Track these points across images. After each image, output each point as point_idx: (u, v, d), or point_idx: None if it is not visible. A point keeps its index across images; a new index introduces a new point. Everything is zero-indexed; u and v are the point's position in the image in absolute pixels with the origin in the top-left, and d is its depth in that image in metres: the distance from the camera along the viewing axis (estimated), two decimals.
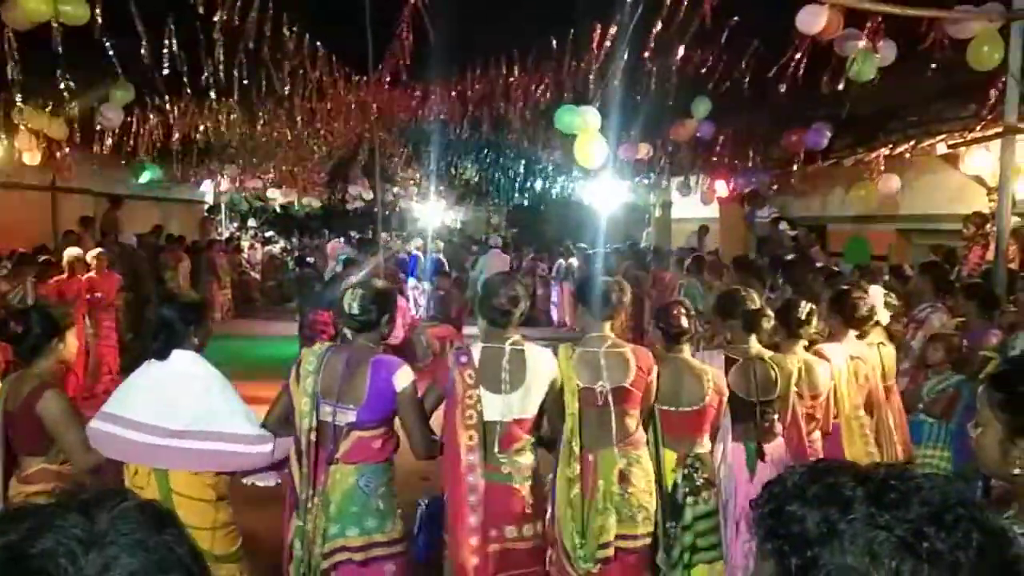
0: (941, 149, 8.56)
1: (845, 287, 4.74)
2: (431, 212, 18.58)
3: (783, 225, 11.03)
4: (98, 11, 5.84)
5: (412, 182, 18.24)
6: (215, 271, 14.92)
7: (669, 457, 3.59)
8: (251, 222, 21.30)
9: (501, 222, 26.20)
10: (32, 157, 9.32)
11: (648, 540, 3.45)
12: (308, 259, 15.57)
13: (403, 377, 3.14)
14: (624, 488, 3.34)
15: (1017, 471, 1.66)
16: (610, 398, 3.35)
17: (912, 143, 8.62)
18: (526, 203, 21.38)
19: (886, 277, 7.31)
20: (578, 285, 3.74)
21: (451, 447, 3.20)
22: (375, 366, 3.14)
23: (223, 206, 19.51)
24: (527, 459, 3.27)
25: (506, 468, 3.22)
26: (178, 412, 3.09)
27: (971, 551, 0.85)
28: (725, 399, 3.66)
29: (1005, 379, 1.74)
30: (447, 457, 3.23)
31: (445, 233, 20.37)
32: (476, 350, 3.28)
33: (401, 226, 21.21)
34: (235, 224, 20.62)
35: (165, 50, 6.84)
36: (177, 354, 3.19)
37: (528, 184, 18.53)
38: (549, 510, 3.40)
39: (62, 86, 7.60)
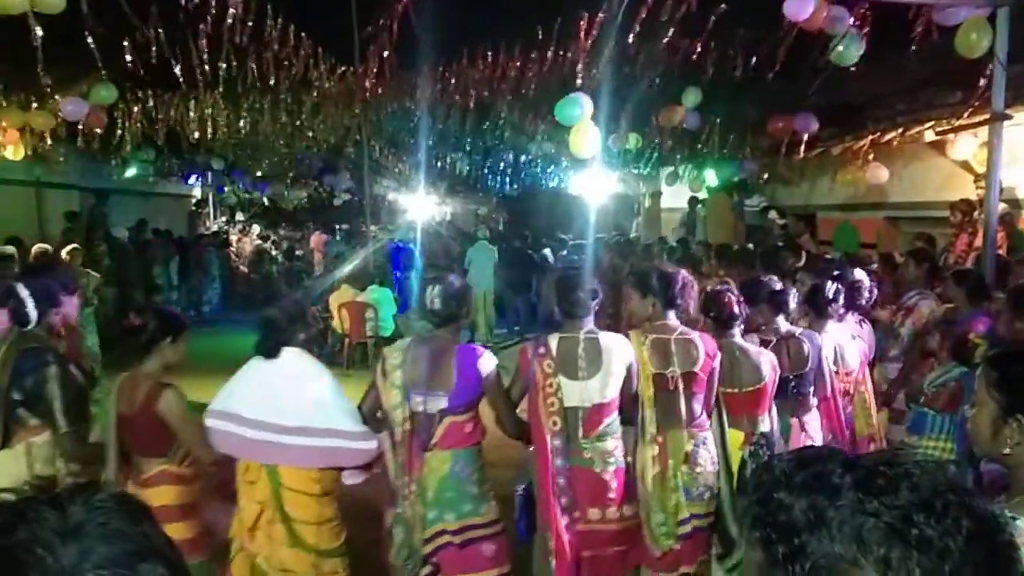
0: (929, 136, 8.55)
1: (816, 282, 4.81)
2: (420, 204, 18.52)
3: (772, 214, 11.04)
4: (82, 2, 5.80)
5: (401, 174, 18.18)
6: (203, 265, 14.85)
7: (735, 437, 3.76)
8: (239, 215, 21.19)
9: (490, 214, 26.16)
10: (16, 152, 9.21)
11: (713, 518, 3.61)
12: (297, 252, 15.51)
13: (487, 362, 3.34)
14: (692, 468, 3.49)
15: (1007, 450, 1.70)
16: (680, 383, 3.48)
17: (900, 130, 8.62)
18: (516, 195, 21.35)
19: (874, 265, 7.33)
20: (643, 275, 3.83)
21: (537, 434, 3.37)
22: (460, 354, 3.34)
23: (211, 200, 19.41)
24: (610, 444, 3.41)
25: (588, 453, 3.37)
26: (290, 409, 3.19)
27: (961, 537, 0.84)
28: (778, 377, 3.86)
29: (1001, 360, 1.80)
30: (535, 444, 3.40)
31: (434, 225, 20.32)
32: (553, 341, 3.43)
33: (390, 219, 21.15)
34: (223, 218, 20.51)
35: (148, 42, 6.79)
36: (287, 352, 3.28)
37: (518, 175, 18.50)
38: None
39: (44, 80, 7.54)
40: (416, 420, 3.30)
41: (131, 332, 3.31)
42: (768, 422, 3.86)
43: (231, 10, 6.17)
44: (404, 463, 3.29)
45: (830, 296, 4.45)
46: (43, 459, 3.23)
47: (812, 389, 4.14)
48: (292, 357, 3.30)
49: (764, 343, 4.03)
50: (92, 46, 6.61)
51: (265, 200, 20.49)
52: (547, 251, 13.97)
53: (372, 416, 3.40)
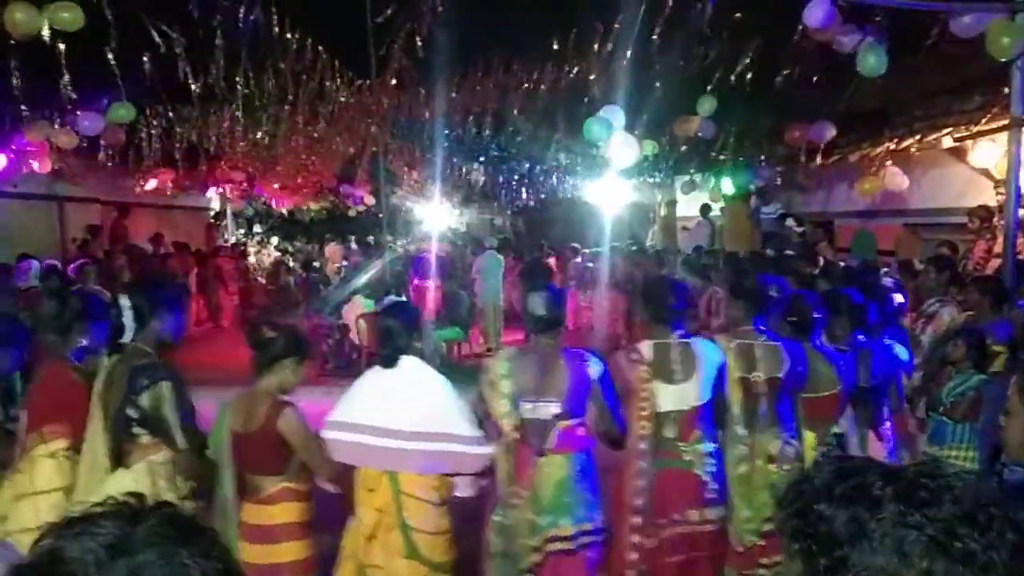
0: (947, 143, 8.52)
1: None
2: (436, 214, 18.57)
3: (790, 221, 11.00)
4: (108, 17, 5.90)
5: (417, 184, 18.24)
6: (222, 277, 14.95)
7: (809, 438, 3.85)
8: (257, 227, 21.33)
9: (505, 223, 26.15)
10: (42, 165, 9.34)
11: None
12: (314, 264, 15.56)
13: (595, 365, 3.39)
14: (779, 467, 3.62)
15: None
16: (765, 387, 3.64)
17: (918, 137, 8.59)
18: (531, 204, 21.34)
19: (884, 271, 7.29)
20: (733, 283, 4.10)
21: (628, 437, 3.47)
22: (570, 358, 3.39)
23: (228, 212, 19.55)
24: (708, 446, 3.52)
25: (687, 456, 3.48)
26: (411, 415, 3.22)
27: (1005, 551, 0.83)
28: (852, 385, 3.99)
29: None
30: (628, 447, 3.48)
31: (449, 235, 20.35)
32: (646, 347, 3.53)
33: (406, 229, 21.21)
34: (241, 230, 20.65)
35: (169, 57, 6.88)
36: (406, 360, 3.31)
37: (533, 185, 18.50)
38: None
39: (66, 95, 7.64)
40: (525, 427, 3.33)
41: (257, 345, 3.23)
42: (842, 425, 3.99)
43: (243, 19, 6.24)
44: (512, 471, 3.31)
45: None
46: (165, 477, 3.19)
47: (886, 400, 4.29)
48: (410, 364, 3.33)
49: (839, 352, 4.12)
50: (112, 62, 6.70)
51: (283, 212, 20.60)
52: (577, 259, 14.00)
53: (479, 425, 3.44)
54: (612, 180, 13.04)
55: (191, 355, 9.22)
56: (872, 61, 5.97)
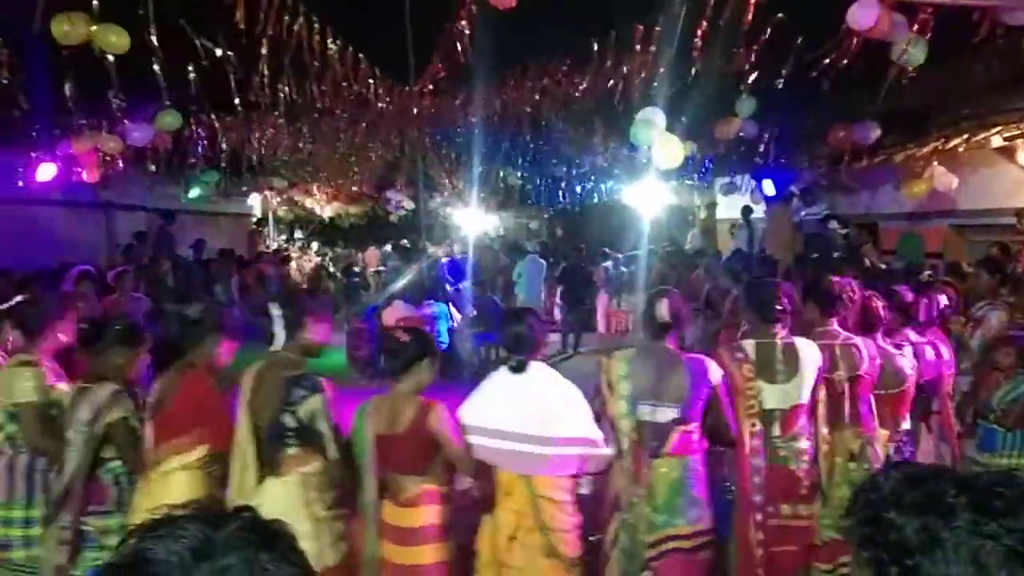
0: (996, 142, 8.33)
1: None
2: (473, 219, 18.62)
3: (833, 223, 10.82)
4: (152, 36, 6.03)
5: (454, 189, 18.33)
6: (264, 283, 15.16)
7: (880, 435, 3.94)
8: (298, 233, 21.59)
9: (542, 227, 26.12)
10: (91, 174, 9.56)
11: None
12: (355, 268, 15.70)
13: (715, 371, 3.47)
14: (860, 465, 3.72)
15: None
16: (846, 386, 3.75)
17: (965, 136, 8.40)
18: (569, 208, 21.30)
19: (927, 273, 7.13)
20: (810, 285, 4.14)
21: (737, 435, 3.55)
22: (691, 364, 3.44)
23: (270, 218, 19.83)
24: (803, 443, 3.62)
25: (783, 452, 3.58)
26: (545, 419, 3.27)
27: None
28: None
29: None
30: (736, 446, 3.58)
31: (486, 239, 20.40)
32: (749, 346, 3.63)
33: (444, 234, 21.30)
34: (283, 236, 20.92)
35: (215, 67, 7.01)
36: (535, 365, 3.38)
37: (571, 188, 18.46)
38: None
39: (115, 105, 7.84)
40: (642, 429, 3.38)
41: (391, 352, 3.28)
42: (909, 421, 4.16)
43: (291, 32, 6.33)
44: (631, 470, 3.37)
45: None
46: (315, 487, 3.21)
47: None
48: (540, 369, 3.40)
49: (897, 347, 4.23)
50: (158, 72, 6.84)
51: (324, 217, 20.82)
52: (608, 263, 13.90)
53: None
54: (650, 183, 12.96)
55: None
56: (914, 52, 5.86)
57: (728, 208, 14.67)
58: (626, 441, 3.37)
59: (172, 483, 3.38)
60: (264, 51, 6.24)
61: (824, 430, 3.69)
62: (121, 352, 3.59)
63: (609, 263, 13.91)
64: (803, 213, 12.35)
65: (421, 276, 12.84)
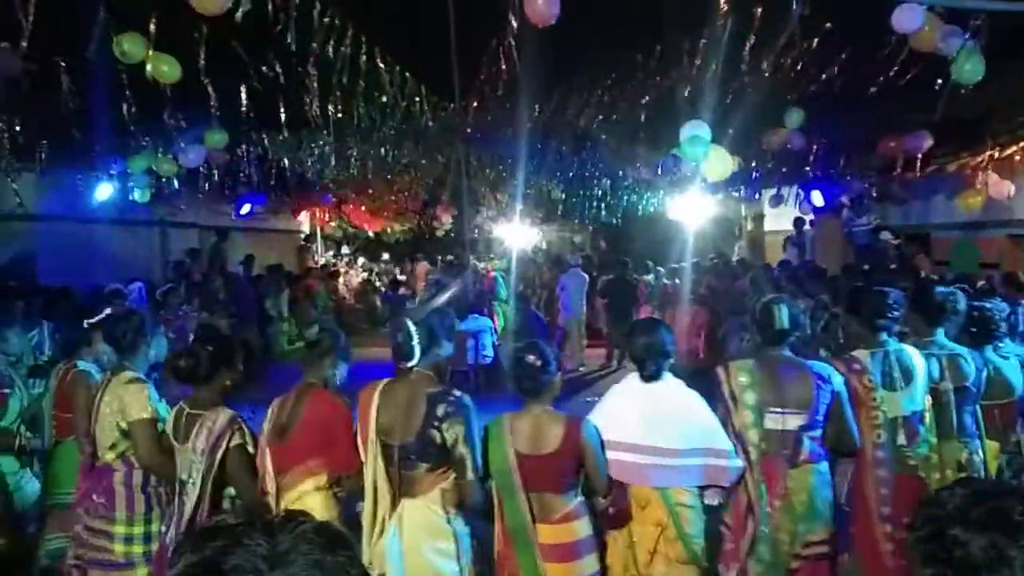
0: None
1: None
2: (517, 233, 18.67)
3: (885, 234, 10.61)
4: (201, 61, 6.20)
5: (498, 204, 18.43)
6: (312, 298, 15.39)
7: (991, 447, 3.94)
8: (345, 249, 21.89)
9: (586, 241, 26.08)
10: (142, 195, 9.85)
11: None
12: (400, 282, 15.86)
13: (837, 377, 3.47)
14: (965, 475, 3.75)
15: None
16: (952, 396, 3.73)
17: (1021, 144, 8.20)
18: (613, 221, 21.23)
19: (981, 284, 6.94)
20: (914, 295, 4.15)
21: (854, 440, 3.52)
22: (814, 369, 3.46)
23: (318, 235, 20.14)
24: (926, 450, 3.65)
25: (912, 460, 3.60)
26: (678, 432, 3.28)
27: None
28: None
29: None
30: (859, 456, 3.57)
31: (530, 253, 20.44)
32: (864, 355, 3.64)
33: (488, 248, 21.39)
34: (330, 252, 21.23)
35: (265, 86, 7.18)
36: (667, 376, 3.40)
37: (614, 201, 18.41)
38: None
39: (169, 126, 8.07)
40: (771, 438, 3.38)
41: (525, 375, 3.21)
42: (1019, 432, 4.11)
43: (341, 53, 6.45)
44: (762, 481, 3.36)
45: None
46: (453, 504, 3.11)
47: None
48: (671, 381, 3.40)
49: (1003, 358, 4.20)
50: (210, 91, 7.02)
51: (370, 233, 21.10)
52: (649, 276, 13.82)
53: None
54: (696, 195, 12.86)
55: (281, 374, 9.52)
56: (969, 68, 5.74)
57: (776, 220, 14.48)
58: (754, 451, 3.36)
59: (308, 507, 3.20)
60: (313, 71, 6.36)
61: (932, 439, 3.68)
62: (226, 373, 3.55)
63: (651, 276, 13.82)
64: (854, 224, 12.14)
65: (466, 290, 12.93)
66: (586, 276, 13.15)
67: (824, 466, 3.45)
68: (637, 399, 3.37)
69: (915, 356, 3.67)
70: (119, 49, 5.99)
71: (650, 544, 3.24)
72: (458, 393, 3.13)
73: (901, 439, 3.59)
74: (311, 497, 3.34)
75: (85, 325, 4.45)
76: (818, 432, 3.43)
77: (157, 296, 8.52)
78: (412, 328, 3.18)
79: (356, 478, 3.27)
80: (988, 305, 4.22)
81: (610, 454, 3.24)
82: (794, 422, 3.37)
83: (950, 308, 3.93)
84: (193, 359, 3.46)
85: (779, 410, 3.37)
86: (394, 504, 3.12)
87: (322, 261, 19.32)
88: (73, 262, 10.04)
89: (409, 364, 3.17)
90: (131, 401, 3.60)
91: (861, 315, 3.80)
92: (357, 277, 18.52)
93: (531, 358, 3.20)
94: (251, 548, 0.92)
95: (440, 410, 3.02)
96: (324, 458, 3.35)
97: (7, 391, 4.40)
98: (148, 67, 6.20)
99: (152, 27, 5.98)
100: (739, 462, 3.32)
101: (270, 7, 4.87)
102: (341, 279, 17.59)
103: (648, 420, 3.28)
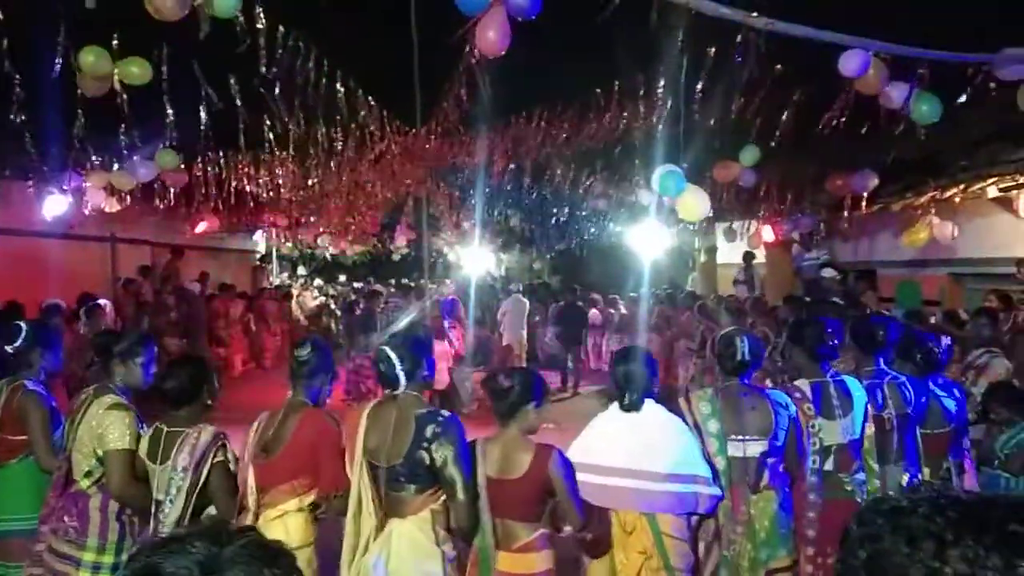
0: (992, 192, 8.45)
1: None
2: (475, 258, 18.73)
3: (828, 271, 10.90)
4: (163, 69, 6.16)
5: (457, 229, 18.49)
6: (266, 319, 15.23)
7: (924, 473, 4.08)
8: (301, 270, 21.72)
9: (544, 268, 26.26)
10: (110, 205, 9.68)
11: None
12: (357, 304, 15.78)
13: (791, 404, 3.66)
14: None
15: None
16: (895, 423, 3.87)
17: (962, 187, 8.52)
18: (570, 249, 21.44)
19: (932, 320, 7.19)
20: (852, 326, 4.31)
21: (800, 466, 3.70)
22: (772, 397, 3.61)
23: (274, 255, 19.96)
24: (861, 476, 3.77)
25: (848, 486, 3.72)
26: (664, 457, 3.31)
27: None
28: None
29: None
30: (797, 476, 3.70)
31: (488, 279, 20.51)
32: (806, 385, 3.79)
33: (445, 272, 21.42)
34: (285, 273, 21.05)
35: (224, 107, 7.13)
36: (649, 403, 3.44)
37: (571, 230, 18.61)
38: None
39: (125, 142, 7.95)
40: (735, 465, 3.47)
41: (496, 394, 3.21)
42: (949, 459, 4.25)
43: (300, 73, 6.46)
44: (729, 507, 3.43)
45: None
46: (441, 525, 3.10)
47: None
48: (654, 408, 3.44)
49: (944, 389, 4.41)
50: (168, 111, 6.95)
51: (327, 255, 20.97)
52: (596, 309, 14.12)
53: None
54: (651, 226, 13.07)
55: (235, 395, 9.39)
56: (925, 109, 5.98)
57: (729, 252, 14.78)
58: (723, 478, 3.44)
59: (290, 526, 3.24)
60: (275, 91, 6.35)
61: (873, 465, 3.80)
62: (206, 393, 3.48)
63: (598, 307, 14.17)
64: (803, 259, 12.45)
65: (422, 314, 12.89)
66: (526, 302, 13.45)
67: (784, 492, 3.56)
68: (619, 425, 3.42)
69: (855, 388, 3.80)
70: (83, 61, 5.91)
71: (633, 572, 3.25)
72: (446, 413, 3.12)
73: (829, 466, 3.70)
74: (292, 517, 3.28)
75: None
76: (778, 458, 3.55)
77: (81, 314, 8.10)
78: (394, 355, 3.16)
79: (343, 499, 3.23)
80: (928, 340, 4.34)
81: (596, 479, 3.27)
82: (755, 449, 3.48)
83: (882, 338, 4.07)
84: (177, 380, 3.41)
85: (740, 437, 3.49)
86: (380, 525, 3.10)
87: (277, 282, 19.15)
88: (21, 277, 9.80)
89: (396, 392, 3.17)
90: (110, 428, 3.46)
91: (803, 345, 3.93)
92: (312, 299, 18.37)
93: (501, 380, 3.20)
94: (191, 554, 0.94)
95: (429, 431, 3.01)
96: (311, 477, 3.29)
97: None
98: (115, 74, 6.11)
99: (115, 42, 5.92)
100: (717, 490, 3.37)
101: (237, 28, 4.87)
102: (295, 300, 17.44)
103: (632, 445, 3.33)
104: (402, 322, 12.37)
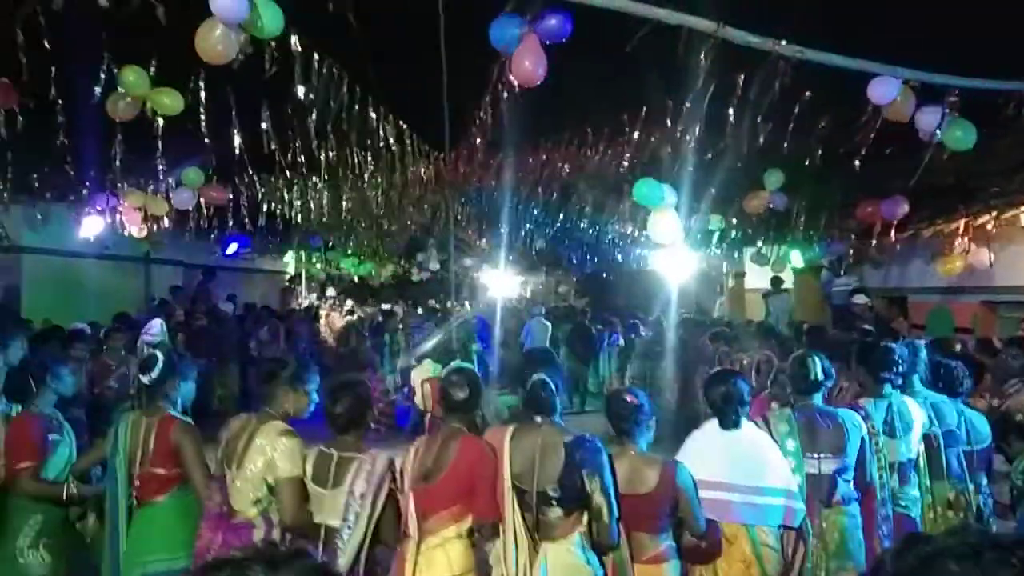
0: None
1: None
2: (501, 281, 18.79)
3: (859, 297, 10.78)
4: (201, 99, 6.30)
5: (483, 252, 18.59)
6: (293, 339, 15.34)
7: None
8: (329, 291, 21.90)
9: (570, 291, 26.25)
10: (139, 231, 9.84)
11: None
12: (385, 327, 15.87)
13: (863, 422, 3.86)
14: (956, 514, 4.17)
15: None
16: (941, 440, 4.17)
17: (995, 214, 8.41)
18: (596, 272, 21.45)
19: (957, 348, 7.07)
20: (861, 352, 4.54)
21: (870, 483, 3.90)
22: (846, 417, 3.78)
23: (303, 276, 20.17)
24: (918, 492, 4.07)
25: (903, 501, 3.99)
26: (759, 471, 3.50)
27: None
28: None
29: None
30: (867, 492, 3.89)
31: (514, 301, 20.56)
32: (868, 404, 4.04)
33: (471, 295, 21.49)
34: (314, 294, 21.24)
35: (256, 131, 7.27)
36: (745, 422, 3.63)
37: (598, 253, 18.62)
38: None
39: (159, 167, 8.13)
40: (811, 482, 3.63)
41: (621, 413, 3.41)
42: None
43: (334, 98, 6.57)
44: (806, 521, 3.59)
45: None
46: (590, 545, 3.21)
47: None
48: (749, 426, 3.63)
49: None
50: (204, 133, 7.09)
51: (355, 277, 21.14)
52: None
53: None
54: (679, 250, 13.05)
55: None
56: (959, 135, 5.95)
57: (757, 277, 14.69)
58: (801, 494, 3.59)
59: (451, 554, 3.28)
60: (310, 118, 6.47)
61: (924, 482, 4.08)
62: (369, 415, 3.53)
63: (616, 332, 14.23)
64: (833, 285, 12.33)
65: (449, 337, 12.94)
66: (548, 323, 13.58)
67: (855, 508, 3.73)
68: (719, 441, 3.59)
69: (913, 407, 4.05)
70: (122, 80, 6.05)
71: None
72: (592, 439, 3.23)
73: (895, 482, 3.94)
74: (453, 545, 3.30)
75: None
76: (850, 475, 3.72)
77: (100, 336, 8.02)
78: (551, 384, 3.37)
79: (495, 525, 3.29)
80: (953, 363, 4.58)
81: (702, 492, 3.41)
82: (829, 466, 3.65)
83: (895, 363, 4.24)
84: (345, 405, 3.44)
85: (816, 455, 3.66)
86: (532, 548, 3.22)
87: (306, 303, 19.32)
88: (57, 296, 10.01)
89: (550, 418, 3.35)
90: (282, 456, 3.39)
91: (868, 367, 4.20)
92: (340, 320, 18.50)
93: (628, 398, 3.40)
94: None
95: (579, 457, 3.12)
96: (468, 504, 3.32)
97: (56, 437, 4.07)
98: (148, 103, 6.24)
99: (152, 66, 6.07)
100: (802, 504, 3.55)
101: (270, 55, 4.98)
102: (323, 321, 17.58)
103: (732, 460, 3.51)
104: (427, 344, 12.45)
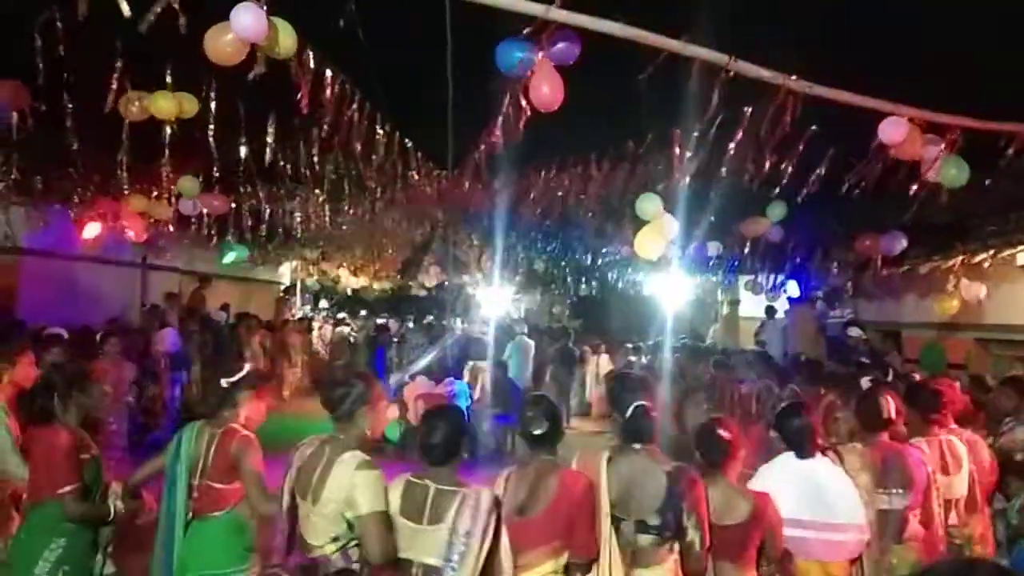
0: (1022, 259, 8.41)
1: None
2: (496, 299, 18.81)
3: (854, 330, 10.84)
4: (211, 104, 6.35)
5: (481, 270, 18.61)
6: (287, 350, 15.32)
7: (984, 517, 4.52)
8: (323, 303, 21.88)
9: (564, 312, 26.26)
10: (139, 235, 9.84)
11: None
12: (378, 340, 15.86)
13: (926, 459, 3.96)
14: (984, 547, 4.28)
15: None
16: (975, 476, 4.36)
17: (991, 252, 8.49)
18: (592, 294, 21.48)
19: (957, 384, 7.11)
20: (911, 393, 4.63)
21: (933, 520, 3.95)
22: (912, 454, 3.86)
23: (298, 287, 20.14)
24: (970, 531, 4.19)
25: (957, 540, 4.10)
26: (835, 507, 3.55)
27: None
28: None
29: None
30: (930, 529, 3.92)
31: (507, 320, 20.57)
32: (924, 444, 4.11)
33: (466, 312, 21.48)
34: (307, 306, 21.21)
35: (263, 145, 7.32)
36: (819, 455, 3.69)
37: (593, 275, 18.68)
38: None
39: (164, 171, 8.15)
40: (881, 517, 3.67)
41: (714, 445, 3.50)
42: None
43: (340, 115, 6.62)
44: (878, 556, 3.64)
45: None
46: (682, 573, 3.24)
47: None
48: (822, 460, 3.68)
49: None
50: (212, 146, 7.13)
51: (349, 290, 21.13)
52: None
53: None
54: (674, 275, 13.12)
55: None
56: (953, 172, 6.02)
57: (752, 305, 14.75)
58: (871, 529, 3.65)
59: None
60: (316, 132, 6.51)
61: (966, 516, 4.19)
62: (465, 443, 3.33)
63: (603, 356, 14.32)
64: (827, 317, 12.40)
65: (443, 353, 12.97)
66: (531, 343, 13.69)
67: (922, 543, 3.78)
68: (795, 475, 3.62)
69: (960, 446, 4.19)
70: (153, 107, 6.14)
71: None
72: (691, 470, 3.26)
73: (953, 519, 4.06)
74: None
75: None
76: (919, 511, 3.80)
77: (97, 339, 7.88)
78: (651, 411, 3.36)
79: (590, 563, 3.21)
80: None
81: (792, 531, 3.50)
82: (900, 502, 3.70)
83: (944, 403, 4.43)
84: (443, 435, 3.16)
85: (888, 491, 3.71)
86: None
87: (299, 314, 19.29)
88: (54, 298, 9.98)
89: (649, 445, 3.35)
90: (363, 490, 3.09)
91: (918, 408, 4.30)
92: (332, 332, 18.49)
93: (721, 432, 3.44)
94: None
95: (679, 489, 3.15)
96: (567, 541, 3.19)
97: (85, 456, 3.91)
98: (159, 109, 6.28)
99: (168, 78, 6.12)
100: (867, 537, 3.61)
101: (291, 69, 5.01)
102: (316, 332, 17.56)
103: (808, 495, 3.54)
104: (422, 360, 12.46)
